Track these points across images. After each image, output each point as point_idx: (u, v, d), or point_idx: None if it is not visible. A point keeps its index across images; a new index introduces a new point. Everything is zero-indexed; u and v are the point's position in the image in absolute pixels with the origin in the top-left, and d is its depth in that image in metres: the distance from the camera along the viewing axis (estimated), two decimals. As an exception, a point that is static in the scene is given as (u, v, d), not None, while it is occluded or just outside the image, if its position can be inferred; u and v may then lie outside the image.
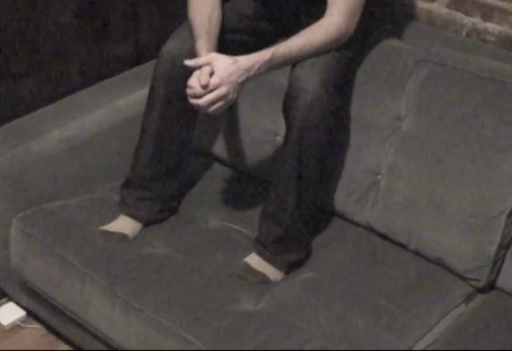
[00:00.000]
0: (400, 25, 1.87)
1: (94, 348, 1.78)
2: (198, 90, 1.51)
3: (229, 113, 1.88)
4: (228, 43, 1.69)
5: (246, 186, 1.92)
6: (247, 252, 1.70)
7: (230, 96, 1.53)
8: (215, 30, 1.65)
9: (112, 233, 1.74)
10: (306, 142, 1.58)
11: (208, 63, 1.52)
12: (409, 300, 1.61)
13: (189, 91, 1.54)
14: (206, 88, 1.50)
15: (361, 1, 1.59)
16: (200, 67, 1.53)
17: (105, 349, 1.73)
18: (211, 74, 1.51)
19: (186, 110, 1.67)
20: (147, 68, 1.95)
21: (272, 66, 1.56)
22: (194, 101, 1.53)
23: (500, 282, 1.68)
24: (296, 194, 1.63)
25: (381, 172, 1.74)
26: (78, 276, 1.68)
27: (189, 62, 1.55)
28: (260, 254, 1.68)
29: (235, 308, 1.58)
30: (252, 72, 1.53)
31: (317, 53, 1.57)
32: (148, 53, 2.10)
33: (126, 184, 1.81)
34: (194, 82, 1.52)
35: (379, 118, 1.73)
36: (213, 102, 1.52)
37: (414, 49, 1.74)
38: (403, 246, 1.74)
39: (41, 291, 1.80)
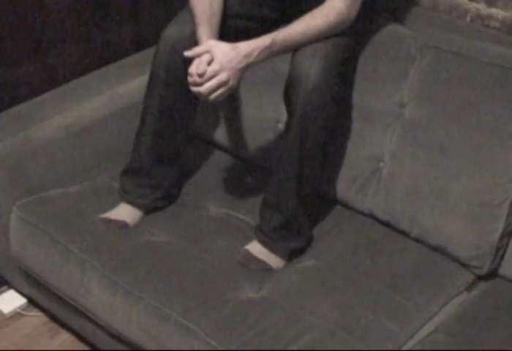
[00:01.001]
0: (403, 10, 1.85)
1: (95, 336, 1.79)
2: (198, 79, 1.50)
3: (230, 100, 1.87)
4: (230, 29, 1.68)
5: (247, 174, 1.92)
6: (248, 240, 1.69)
7: (230, 82, 1.52)
8: (216, 16, 1.63)
9: (112, 221, 1.74)
10: (307, 128, 1.57)
11: (207, 51, 1.51)
12: (410, 288, 1.61)
13: (189, 79, 1.53)
14: (202, 76, 1.49)
15: (363, -14, 1.58)
16: (199, 56, 1.52)
17: (106, 336, 1.73)
18: (211, 62, 1.50)
19: (186, 96, 1.66)
20: (147, 54, 1.93)
21: (272, 52, 1.54)
22: (195, 89, 1.53)
23: (502, 270, 1.68)
24: (297, 182, 1.62)
25: (383, 159, 1.73)
26: (78, 264, 1.67)
27: (188, 53, 1.54)
28: (261, 241, 1.67)
29: (236, 295, 1.57)
30: (252, 58, 1.52)
31: (318, 38, 1.55)
32: (149, 39, 2.09)
33: (127, 172, 1.80)
34: (194, 69, 1.51)
35: (381, 104, 1.72)
36: (214, 89, 1.51)
37: (417, 35, 1.72)
38: (405, 234, 1.73)
39: (41, 279, 1.80)
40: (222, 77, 1.50)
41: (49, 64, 1.94)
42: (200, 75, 1.50)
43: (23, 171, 1.81)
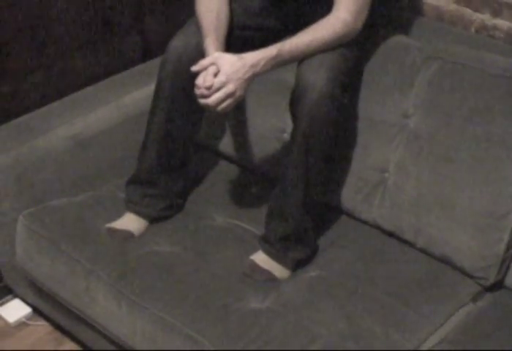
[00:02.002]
0: (408, 21, 1.86)
1: (100, 345, 1.78)
2: (205, 91, 1.51)
3: (235, 110, 1.87)
4: (236, 40, 1.69)
5: (252, 183, 1.91)
6: (253, 250, 1.69)
7: (237, 93, 1.52)
8: (223, 27, 1.64)
9: (118, 231, 1.74)
10: (312, 139, 1.57)
11: (212, 63, 1.52)
12: (416, 299, 1.60)
13: (196, 91, 1.53)
14: (210, 88, 1.50)
15: (369, -3, 1.58)
16: (206, 68, 1.52)
17: (111, 346, 1.73)
18: (217, 73, 1.51)
19: (192, 106, 1.67)
20: (153, 64, 1.94)
21: (278, 63, 1.55)
22: (202, 101, 1.53)
23: (508, 281, 1.67)
24: (303, 192, 1.62)
25: (388, 169, 1.73)
26: (84, 274, 1.68)
27: (194, 67, 1.54)
28: (267, 251, 1.67)
29: (241, 306, 1.57)
30: (258, 69, 1.52)
31: (324, 49, 1.56)
32: (155, 50, 2.09)
33: (132, 181, 1.81)
34: (201, 81, 1.52)
35: (386, 115, 1.72)
36: (221, 101, 1.52)
37: (422, 45, 1.72)
38: (410, 244, 1.73)
39: (47, 288, 1.80)
40: (229, 88, 1.51)
41: (55, 75, 1.95)
42: (207, 88, 1.50)
43: (30, 181, 1.82)
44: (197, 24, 1.65)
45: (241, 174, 1.96)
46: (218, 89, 1.50)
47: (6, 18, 1.79)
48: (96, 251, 1.70)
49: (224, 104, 1.52)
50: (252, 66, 1.52)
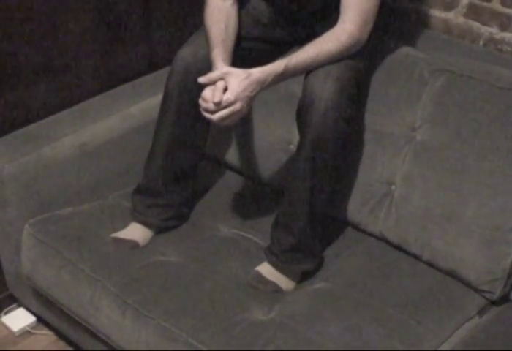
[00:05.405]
0: (416, 34, 1.86)
1: (104, 355, 1.78)
2: (212, 106, 1.50)
3: (242, 121, 1.87)
4: (243, 50, 1.69)
5: (258, 195, 1.92)
6: (259, 261, 1.69)
7: (243, 111, 1.53)
8: (231, 39, 1.65)
9: (123, 240, 1.74)
10: (319, 150, 1.57)
11: (221, 78, 1.51)
12: (422, 312, 1.60)
13: (202, 104, 1.53)
14: (219, 105, 1.50)
15: (374, 8, 1.58)
16: (213, 82, 1.52)
17: (115, 356, 1.73)
18: (225, 89, 1.50)
19: (199, 117, 1.66)
20: (160, 75, 1.95)
21: (285, 77, 1.55)
22: (207, 115, 1.53)
23: (515, 295, 1.67)
24: (309, 203, 1.62)
25: (395, 182, 1.73)
26: (89, 283, 1.67)
27: (202, 79, 1.53)
28: (272, 263, 1.67)
29: (246, 317, 1.57)
30: (265, 84, 1.53)
31: (331, 61, 1.56)
32: (162, 60, 2.10)
33: (138, 191, 1.81)
34: (208, 95, 1.51)
35: (393, 127, 1.72)
36: (226, 117, 1.52)
37: (430, 58, 1.72)
38: (416, 257, 1.72)
39: (51, 297, 1.80)
40: (236, 107, 1.50)
41: (63, 84, 1.95)
42: (216, 103, 1.50)
43: (36, 189, 1.82)
44: (204, 35, 1.65)
45: (246, 185, 1.96)
46: (224, 107, 1.50)
47: (15, 28, 1.80)
48: (102, 261, 1.70)
49: (228, 121, 1.52)
50: (260, 82, 1.52)
